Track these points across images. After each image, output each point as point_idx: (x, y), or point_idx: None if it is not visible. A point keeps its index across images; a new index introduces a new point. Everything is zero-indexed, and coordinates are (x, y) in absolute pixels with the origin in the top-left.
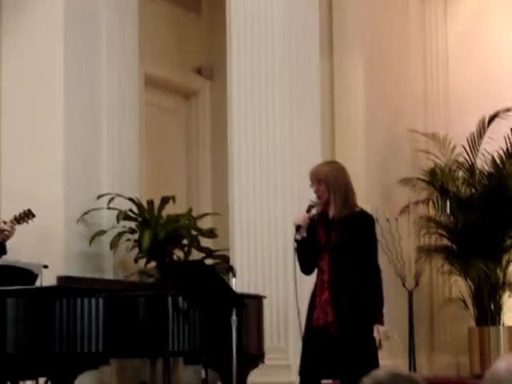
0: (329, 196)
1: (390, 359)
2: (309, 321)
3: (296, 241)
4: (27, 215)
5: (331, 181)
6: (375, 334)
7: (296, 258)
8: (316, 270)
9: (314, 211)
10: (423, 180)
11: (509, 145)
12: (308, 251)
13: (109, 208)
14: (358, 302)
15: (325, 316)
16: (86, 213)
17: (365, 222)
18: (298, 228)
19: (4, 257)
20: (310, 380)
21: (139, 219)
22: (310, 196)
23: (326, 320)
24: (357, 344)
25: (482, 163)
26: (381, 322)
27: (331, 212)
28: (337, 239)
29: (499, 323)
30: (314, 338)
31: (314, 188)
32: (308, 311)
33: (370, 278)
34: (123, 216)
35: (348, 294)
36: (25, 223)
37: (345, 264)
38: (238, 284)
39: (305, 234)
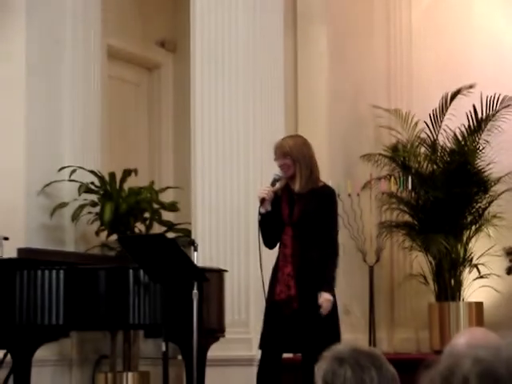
0: (294, 170)
1: (351, 334)
2: (271, 295)
3: (260, 214)
4: None
5: (297, 154)
6: (319, 301)
7: (260, 232)
8: (278, 244)
9: (278, 185)
10: (385, 156)
11: (471, 121)
12: (272, 225)
13: (70, 180)
14: (320, 277)
15: (287, 290)
16: (47, 185)
17: (327, 197)
18: (262, 201)
19: None
20: (271, 354)
21: (101, 192)
22: (273, 170)
23: (289, 294)
24: (318, 318)
25: (444, 140)
26: (327, 290)
27: (296, 186)
28: (300, 213)
29: (459, 299)
30: (275, 312)
31: (278, 162)
32: (270, 285)
33: (325, 251)
34: (85, 189)
35: (310, 269)
36: None
37: (307, 238)
38: (199, 258)
39: (269, 208)
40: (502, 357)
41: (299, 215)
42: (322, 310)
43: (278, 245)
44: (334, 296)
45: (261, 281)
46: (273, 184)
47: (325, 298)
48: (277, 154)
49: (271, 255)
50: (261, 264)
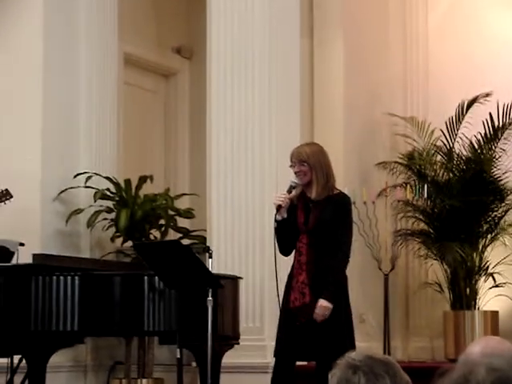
0: (310, 177)
1: (365, 342)
2: (285, 302)
3: (276, 221)
4: (4, 195)
5: (313, 161)
6: (317, 309)
7: (275, 239)
8: (294, 252)
9: (294, 192)
10: (401, 164)
11: (487, 129)
12: (287, 232)
13: (86, 187)
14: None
15: (302, 297)
16: (62, 191)
17: (343, 204)
18: (278, 208)
19: None
20: (285, 361)
21: (116, 198)
22: (289, 177)
23: (304, 301)
24: (333, 326)
25: (460, 148)
26: (325, 298)
27: (312, 193)
28: (315, 221)
29: (474, 307)
30: (290, 320)
31: (295, 169)
32: (285, 293)
33: (336, 256)
34: (100, 195)
35: (325, 276)
36: (2, 203)
37: (322, 246)
38: (214, 265)
39: (285, 215)
40: None
41: (314, 223)
42: (316, 317)
43: (294, 252)
44: (344, 300)
45: (275, 288)
46: (289, 191)
47: (321, 305)
48: (293, 160)
49: (287, 263)
50: (276, 271)
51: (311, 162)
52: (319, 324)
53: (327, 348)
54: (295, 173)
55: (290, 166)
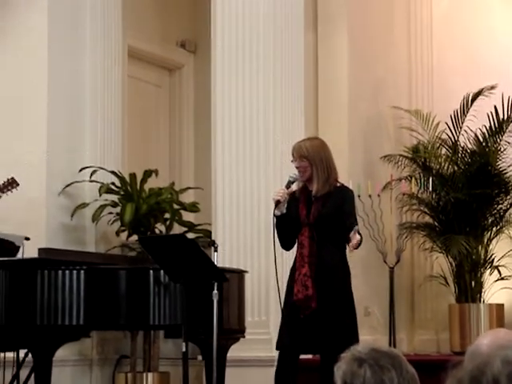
0: (311, 172)
1: (371, 335)
2: (288, 295)
3: (275, 216)
4: (11, 184)
5: (313, 157)
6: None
7: (276, 234)
8: (296, 245)
9: (293, 187)
10: (406, 157)
11: (492, 122)
12: (287, 227)
13: (91, 181)
14: (338, 277)
15: (304, 290)
16: (68, 185)
17: (345, 194)
18: (277, 204)
19: None
20: (289, 355)
21: (121, 192)
22: (293, 170)
23: (306, 294)
24: (337, 319)
25: (465, 141)
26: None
27: (314, 188)
28: (317, 214)
29: (480, 300)
30: (293, 313)
31: (295, 164)
32: (288, 286)
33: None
34: (105, 189)
35: (327, 269)
36: (9, 192)
37: (324, 239)
38: (219, 258)
39: (284, 210)
40: None
41: (316, 216)
42: (352, 246)
43: (296, 246)
44: (348, 293)
45: (280, 282)
46: (288, 186)
47: (353, 234)
48: (294, 156)
49: (291, 257)
50: (276, 266)
51: (311, 158)
52: (323, 316)
53: (331, 341)
54: (296, 168)
55: (292, 161)
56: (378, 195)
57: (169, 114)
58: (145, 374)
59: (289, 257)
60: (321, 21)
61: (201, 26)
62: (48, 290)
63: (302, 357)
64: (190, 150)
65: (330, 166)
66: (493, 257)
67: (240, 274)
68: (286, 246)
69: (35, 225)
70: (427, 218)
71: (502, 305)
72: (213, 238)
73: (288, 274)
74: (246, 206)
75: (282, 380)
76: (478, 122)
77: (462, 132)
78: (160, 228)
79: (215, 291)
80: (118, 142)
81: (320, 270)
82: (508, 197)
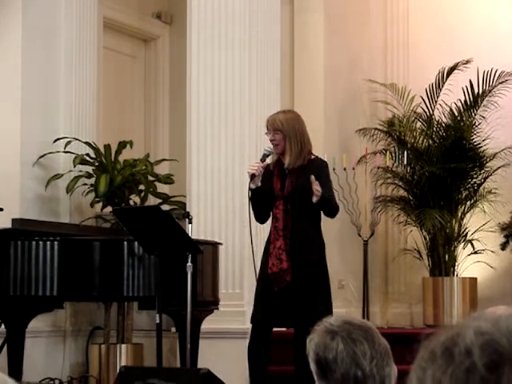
0: (284, 145)
1: (344, 308)
2: (263, 268)
3: (250, 190)
4: None
5: (287, 130)
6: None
7: (250, 207)
8: (271, 218)
9: (268, 160)
10: (381, 130)
11: (467, 97)
12: (262, 200)
13: (65, 152)
14: (312, 250)
15: (279, 263)
16: (42, 156)
17: (319, 166)
18: (252, 177)
19: None
20: (263, 328)
21: (96, 163)
22: (268, 143)
23: (281, 267)
24: (312, 292)
25: (440, 115)
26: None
27: (286, 161)
28: (291, 187)
29: (453, 274)
30: (267, 286)
31: (269, 136)
32: (262, 259)
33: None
34: (80, 160)
35: (302, 242)
36: None
37: (299, 211)
38: (193, 230)
39: (259, 183)
40: (503, 328)
41: (290, 189)
42: (316, 192)
43: (270, 219)
44: (322, 265)
45: (256, 255)
46: (263, 159)
47: (316, 183)
48: (268, 128)
49: (266, 229)
50: (252, 239)
51: (285, 131)
52: (297, 289)
53: (305, 314)
54: (270, 140)
55: (266, 134)
56: (353, 168)
57: (144, 86)
58: (118, 346)
59: (263, 230)
60: None
61: None
62: (21, 260)
63: (276, 330)
64: (165, 122)
65: (303, 139)
66: (466, 231)
67: (214, 245)
68: (261, 219)
69: (9, 196)
70: (402, 192)
71: (475, 278)
72: (187, 210)
73: (262, 247)
74: (220, 177)
75: (254, 353)
76: (453, 96)
77: (437, 106)
78: (134, 199)
79: (189, 263)
80: (92, 113)
81: (295, 243)
82: (482, 171)
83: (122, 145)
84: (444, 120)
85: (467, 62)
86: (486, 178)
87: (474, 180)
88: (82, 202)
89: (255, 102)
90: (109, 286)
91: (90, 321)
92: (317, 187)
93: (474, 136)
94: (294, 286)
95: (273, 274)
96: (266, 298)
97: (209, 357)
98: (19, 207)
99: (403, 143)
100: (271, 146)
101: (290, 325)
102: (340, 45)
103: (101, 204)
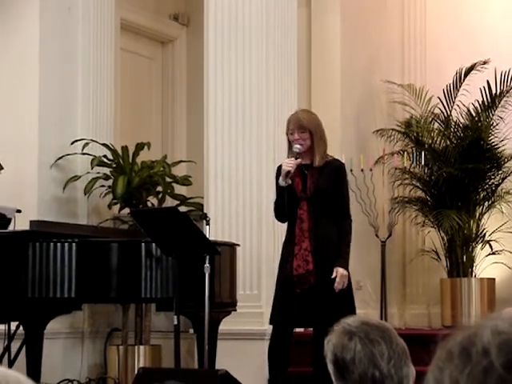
0: (311, 143)
1: (362, 309)
2: (284, 269)
3: (281, 187)
4: None
5: (314, 128)
6: (334, 275)
7: (275, 204)
8: (294, 219)
9: (299, 159)
10: (398, 131)
11: (485, 97)
12: (288, 199)
13: (83, 153)
14: (335, 251)
15: (306, 264)
16: (60, 158)
17: (338, 170)
18: (287, 174)
19: None
20: (284, 329)
21: (113, 165)
22: (285, 144)
23: (307, 268)
24: (334, 293)
25: (458, 115)
26: (342, 266)
27: (315, 160)
28: (314, 188)
29: (471, 275)
30: (288, 288)
31: (295, 136)
32: (283, 260)
33: (341, 226)
34: (97, 162)
35: (326, 243)
36: None
37: (322, 212)
38: (211, 231)
39: (289, 181)
40: None
41: (314, 189)
42: (337, 285)
43: (294, 219)
44: (348, 271)
45: (272, 255)
46: (296, 158)
47: (340, 273)
48: (291, 128)
49: (282, 230)
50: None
51: (312, 128)
52: (321, 291)
53: (325, 315)
54: (294, 140)
55: (288, 134)
56: (371, 169)
57: (161, 87)
58: (136, 347)
59: (280, 230)
60: None
61: None
62: (39, 262)
63: (297, 330)
64: (183, 123)
65: (325, 138)
66: (484, 231)
67: (232, 247)
68: (283, 219)
69: (27, 197)
70: (419, 193)
71: (494, 279)
72: (205, 211)
73: (279, 247)
74: (238, 179)
75: (275, 355)
76: (470, 96)
77: (455, 107)
78: (152, 201)
79: (207, 264)
80: (110, 115)
81: (319, 245)
82: (500, 171)
83: (140, 146)
84: (461, 121)
85: (485, 62)
86: (503, 179)
87: (492, 181)
88: (100, 204)
89: (273, 103)
90: (127, 288)
91: (107, 322)
92: (338, 286)
93: (492, 137)
94: (317, 287)
95: (297, 276)
96: (286, 299)
97: (226, 358)
98: (37, 209)
99: (421, 144)
100: (298, 145)
101: (311, 325)
102: (357, 46)
103: (118, 206)
